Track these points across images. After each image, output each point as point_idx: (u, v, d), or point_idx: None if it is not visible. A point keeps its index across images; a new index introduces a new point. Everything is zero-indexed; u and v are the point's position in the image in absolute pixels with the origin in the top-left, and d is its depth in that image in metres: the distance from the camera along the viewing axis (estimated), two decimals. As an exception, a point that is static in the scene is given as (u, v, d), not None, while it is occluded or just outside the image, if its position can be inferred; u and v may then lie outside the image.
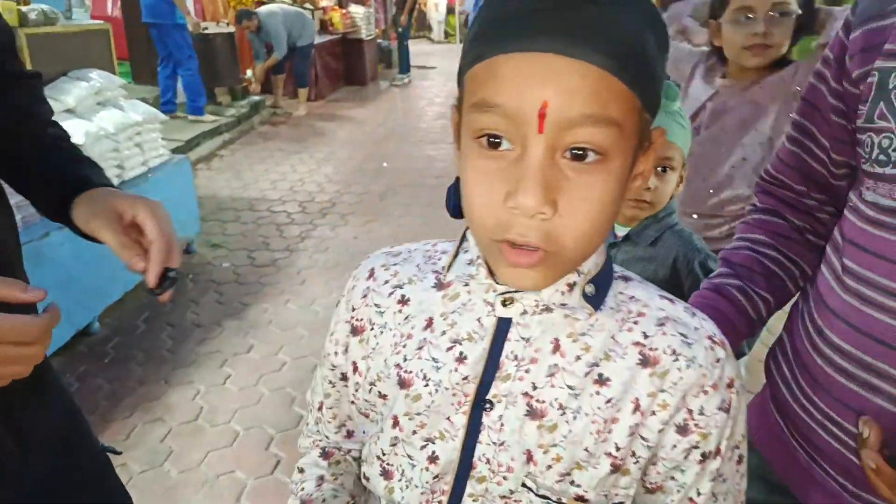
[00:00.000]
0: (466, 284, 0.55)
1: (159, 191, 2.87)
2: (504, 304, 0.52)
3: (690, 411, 0.51)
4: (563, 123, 0.41)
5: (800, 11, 1.31)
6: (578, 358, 0.51)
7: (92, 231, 0.71)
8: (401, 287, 0.59)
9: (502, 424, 0.52)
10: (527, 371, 0.52)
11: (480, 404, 0.53)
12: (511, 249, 0.45)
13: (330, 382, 0.65)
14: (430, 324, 0.55)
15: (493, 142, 0.44)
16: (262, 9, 6.06)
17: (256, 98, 6.28)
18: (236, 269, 3.22)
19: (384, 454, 0.58)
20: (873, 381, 0.63)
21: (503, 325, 0.52)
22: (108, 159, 2.61)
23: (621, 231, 1.16)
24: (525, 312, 0.52)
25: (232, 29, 5.91)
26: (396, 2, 8.29)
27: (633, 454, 0.52)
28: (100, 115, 2.62)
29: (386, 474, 0.58)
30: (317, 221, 3.89)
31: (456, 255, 0.57)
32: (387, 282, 0.60)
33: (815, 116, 0.73)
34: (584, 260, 0.49)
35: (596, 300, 0.52)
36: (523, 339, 0.52)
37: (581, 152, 0.42)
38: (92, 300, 2.50)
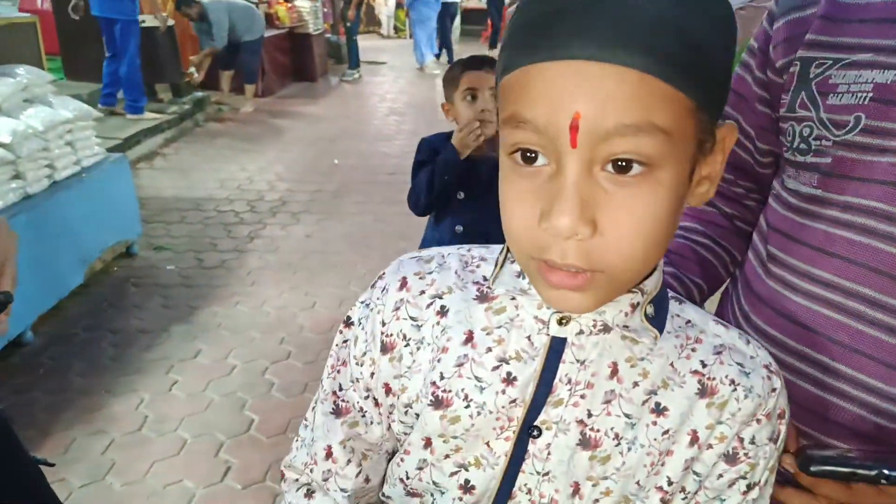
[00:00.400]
0: (514, 298, 0.50)
1: (95, 191, 2.74)
2: (560, 322, 0.48)
3: (741, 440, 0.49)
4: (599, 135, 0.37)
5: None
6: (636, 384, 0.48)
7: None
8: (440, 297, 0.53)
9: (549, 453, 0.49)
10: (582, 396, 0.48)
11: (527, 430, 0.49)
12: (551, 270, 0.41)
13: (347, 413, 0.58)
14: (470, 338, 0.50)
15: (528, 157, 0.40)
16: (207, -3, 5.82)
17: (200, 94, 6.07)
18: (183, 271, 3.11)
19: (409, 477, 0.54)
20: (798, 364, 0.64)
21: (556, 346, 0.48)
22: (37, 159, 2.46)
23: None
24: (581, 332, 0.47)
25: (172, 22, 5.68)
26: (344, -4, 8.17)
27: (683, 490, 0.50)
28: (27, 112, 2.47)
29: (412, 494, 0.55)
30: (267, 221, 3.79)
31: (502, 264, 0.51)
32: (423, 292, 0.53)
33: (741, 105, 0.74)
34: (639, 279, 0.45)
35: (657, 322, 0.48)
36: (579, 361, 0.48)
37: (624, 164, 0.38)
38: (23, 309, 2.36)
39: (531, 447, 0.49)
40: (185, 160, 4.84)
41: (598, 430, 0.48)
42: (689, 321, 0.51)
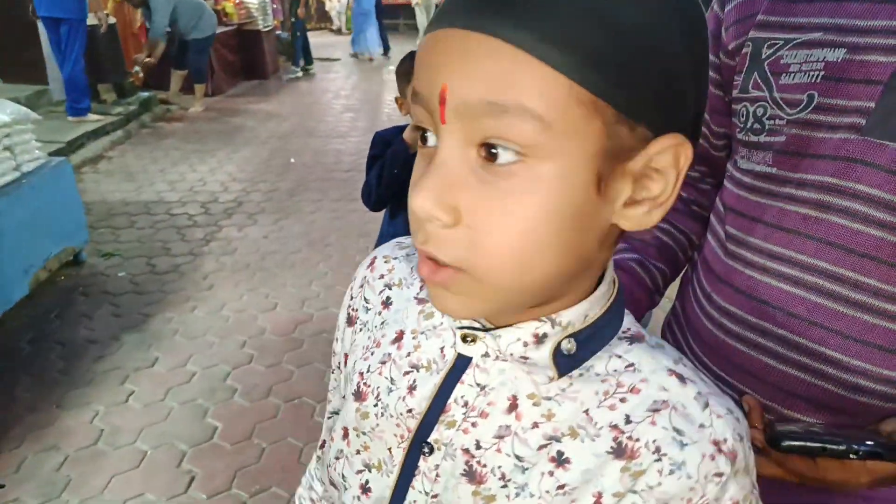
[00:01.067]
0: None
1: (36, 197, 2.60)
2: (465, 339, 0.43)
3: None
4: (465, 112, 0.33)
5: None
6: (536, 425, 0.41)
7: None
8: (390, 288, 0.52)
9: (437, 475, 0.44)
10: (473, 424, 0.43)
11: (419, 445, 0.45)
12: (422, 260, 0.37)
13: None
14: (399, 338, 0.48)
15: (424, 136, 0.37)
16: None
17: (146, 94, 5.85)
18: (134, 278, 2.99)
19: (329, 465, 0.52)
20: (759, 340, 0.66)
21: (461, 364, 0.44)
22: (-29, 165, 2.33)
23: None
24: (487, 355, 0.42)
25: (113, 20, 5.46)
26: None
27: None
28: (-42, 116, 2.33)
29: (332, 484, 0.52)
30: (222, 222, 3.69)
31: None
32: (381, 276, 0.53)
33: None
34: (525, 297, 0.37)
35: (569, 362, 0.41)
36: (478, 385, 0.43)
37: (494, 150, 0.33)
38: (-37, 323, 2.23)
39: (422, 463, 0.45)
40: (132, 163, 4.66)
41: (484, 465, 0.42)
42: (631, 365, 0.41)
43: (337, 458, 0.51)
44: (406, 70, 1.63)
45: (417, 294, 0.49)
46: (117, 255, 3.20)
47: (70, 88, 4.76)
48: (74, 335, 2.51)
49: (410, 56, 1.67)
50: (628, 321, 0.44)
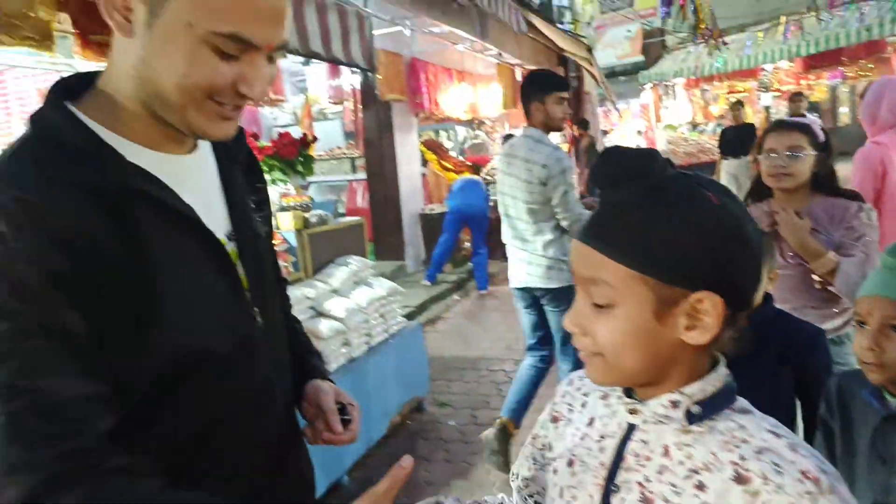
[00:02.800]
0: (617, 396, 0.73)
1: (397, 354, 3.25)
2: (631, 412, 0.69)
3: None
4: (582, 282, 0.68)
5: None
6: (682, 463, 0.65)
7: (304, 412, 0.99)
8: (587, 395, 0.80)
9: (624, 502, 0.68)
10: (642, 466, 0.67)
11: (610, 487, 0.68)
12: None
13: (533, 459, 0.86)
14: (591, 422, 0.76)
15: None
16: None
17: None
18: (461, 427, 3.38)
19: None
20: None
21: (630, 429, 0.70)
22: (359, 329, 3.07)
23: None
24: (646, 420, 0.68)
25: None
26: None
27: None
28: (355, 292, 3.15)
29: None
30: (534, 379, 3.95)
31: None
32: (579, 389, 0.82)
33: None
34: (637, 375, 0.67)
35: (696, 418, 0.65)
36: (642, 441, 0.68)
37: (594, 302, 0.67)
38: (343, 455, 2.82)
39: (612, 498, 0.68)
40: (462, 323, 5.44)
41: (652, 492, 0.65)
42: (742, 426, 0.65)
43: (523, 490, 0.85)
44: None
45: (601, 395, 0.77)
46: (449, 405, 3.68)
47: (436, 262, 6.13)
48: (416, 476, 2.91)
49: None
50: (742, 401, 0.68)
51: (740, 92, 14.39)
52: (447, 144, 9.66)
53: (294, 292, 2.79)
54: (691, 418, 0.65)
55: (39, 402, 0.63)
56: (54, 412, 0.64)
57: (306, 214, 3.18)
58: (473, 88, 8.65)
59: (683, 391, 0.65)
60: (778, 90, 14.40)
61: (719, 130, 10.23)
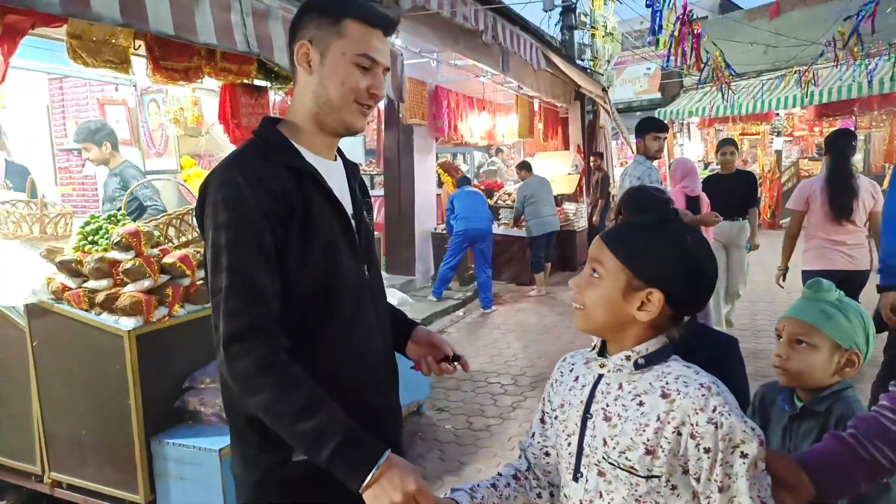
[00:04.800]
0: (594, 359, 1.10)
1: (402, 359, 3.55)
2: (600, 366, 1.08)
3: (692, 425, 0.94)
4: (591, 261, 1.07)
5: None
6: (629, 392, 1.02)
7: (409, 351, 1.42)
8: (574, 365, 1.18)
9: (595, 426, 1.05)
10: (605, 397, 1.05)
11: (586, 415, 1.06)
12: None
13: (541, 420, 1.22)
14: (576, 379, 1.14)
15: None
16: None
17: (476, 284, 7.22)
18: (456, 431, 3.68)
19: (546, 439, 1.21)
20: None
21: (599, 377, 1.08)
22: (371, 333, 3.40)
23: (800, 405, 1.37)
24: (609, 370, 1.06)
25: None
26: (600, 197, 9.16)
27: (660, 444, 0.96)
28: (369, 300, 3.49)
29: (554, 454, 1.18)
30: (527, 393, 4.25)
31: (594, 347, 1.13)
32: (570, 363, 1.19)
33: None
34: (605, 329, 1.06)
35: (641, 366, 1.02)
36: (606, 383, 1.06)
37: (594, 273, 1.06)
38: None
39: (588, 422, 1.06)
40: (464, 337, 5.74)
41: (611, 413, 1.03)
42: (668, 366, 1.02)
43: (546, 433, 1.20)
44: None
45: (584, 362, 1.15)
46: (446, 410, 3.98)
47: (486, 288, 6.51)
48: (411, 469, 3.21)
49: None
50: (675, 357, 1.05)
51: (753, 134, 14.66)
52: (462, 167, 10.05)
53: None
54: (637, 366, 1.02)
55: (247, 281, 1.08)
56: (254, 289, 1.08)
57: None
58: (492, 117, 9.06)
59: (634, 349, 1.03)
60: (791, 135, 14.70)
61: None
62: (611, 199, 9.25)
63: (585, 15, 11.29)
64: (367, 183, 8.47)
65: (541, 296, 7.25)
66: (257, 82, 3.43)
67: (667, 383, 0.98)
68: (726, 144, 5.17)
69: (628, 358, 1.03)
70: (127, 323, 2.35)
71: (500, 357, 5.10)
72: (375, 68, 1.21)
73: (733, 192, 4.89)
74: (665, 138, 4.16)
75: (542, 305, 6.90)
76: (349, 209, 1.27)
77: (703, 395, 0.94)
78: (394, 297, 3.61)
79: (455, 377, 4.61)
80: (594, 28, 11.30)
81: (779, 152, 13.43)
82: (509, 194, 8.48)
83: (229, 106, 3.29)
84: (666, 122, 13.34)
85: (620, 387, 1.03)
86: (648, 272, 1.00)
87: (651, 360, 1.02)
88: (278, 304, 1.11)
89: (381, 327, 1.31)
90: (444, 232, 6.99)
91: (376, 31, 1.20)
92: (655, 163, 4.14)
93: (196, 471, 2.39)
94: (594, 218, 9.16)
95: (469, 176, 8.39)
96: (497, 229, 7.29)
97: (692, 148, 14.97)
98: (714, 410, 0.93)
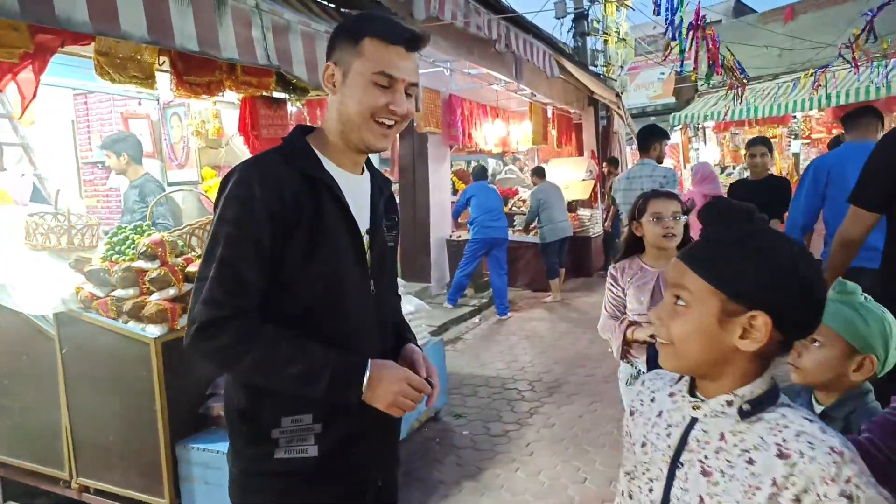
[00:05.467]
0: (681, 394, 0.95)
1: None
2: (693, 408, 0.92)
3: (819, 496, 0.79)
4: (670, 285, 0.92)
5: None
6: (735, 445, 0.86)
7: (403, 359, 1.37)
8: (654, 392, 1.03)
9: (687, 477, 0.90)
10: (702, 448, 0.89)
11: (675, 464, 0.92)
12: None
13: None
14: (660, 414, 0.99)
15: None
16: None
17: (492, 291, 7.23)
18: (473, 436, 3.70)
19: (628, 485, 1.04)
20: None
21: (693, 421, 0.92)
22: (388, 340, 3.44)
23: (818, 408, 1.37)
24: (706, 415, 0.90)
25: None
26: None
27: None
28: (386, 307, 3.53)
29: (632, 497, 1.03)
30: (544, 399, 4.26)
31: (681, 378, 0.99)
32: (650, 389, 1.05)
33: None
34: (700, 367, 0.90)
35: (747, 413, 0.86)
36: (703, 430, 0.91)
37: (677, 300, 0.91)
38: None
39: (678, 472, 0.91)
40: (479, 344, 5.77)
41: (711, 467, 0.88)
42: (783, 415, 0.86)
43: (631, 479, 1.02)
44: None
45: (669, 393, 0.99)
46: (463, 416, 4.00)
47: (455, 287, 6.44)
48: (429, 475, 3.23)
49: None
50: (783, 397, 0.89)
51: (770, 138, 14.53)
52: (477, 174, 10.05)
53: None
54: (742, 414, 0.86)
55: (235, 275, 1.13)
56: (240, 284, 1.14)
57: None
58: (506, 124, 9.09)
59: (736, 393, 0.87)
60: (808, 137, 14.55)
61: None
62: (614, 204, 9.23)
63: (598, 21, 11.31)
64: (383, 191, 8.74)
65: (556, 302, 7.25)
66: (276, 94, 3.51)
67: (784, 440, 0.82)
68: (756, 144, 4.45)
69: (730, 403, 0.87)
70: (153, 331, 2.42)
71: (517, 363, 5.11)
72: (395, 85, 1.21)
73: (762, 203, 4.48)
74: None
75: (557, 312, 6.90)
76: (365, 224, 1.29)
77: (835, 463, 0.78)
78: (410, 303, 3.66)
79: (472, 383, 4.64)
80: (607, 34, 11.31)
81: (797, 155, 13.30)
82: (524, 201, 8.50)
83: (249, 117, 3.38)
84: (680, 126, 13.42)
85: (722, 437, 0.88)
86: (748, 292, 0.84)
87: (758, 407, 0.86)
88: (260, 299, 1.17)
89: (381, 343, 1.33)
90: (459, 239, 7.03)
91: (396, 47, 1.21)
92: (671, 164, 4.26)
93: (220, 475, 2.43)
94: (606, 223, 9.13)
95: (486, 166, 8.34)
96: (511, 236, 7.30)
97: (707, 152, 14.85)
98: (848, 482, 0.78)
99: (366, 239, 1.29)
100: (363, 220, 1.28)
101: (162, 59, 2.89)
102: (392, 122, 1.24)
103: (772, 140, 14.41)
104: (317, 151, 1.26)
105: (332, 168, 1.25)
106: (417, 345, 1.45)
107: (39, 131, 4.54)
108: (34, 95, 2.56)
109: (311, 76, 3.01)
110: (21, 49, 2.33)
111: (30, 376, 2.74)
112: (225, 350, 1.14)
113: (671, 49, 4.60)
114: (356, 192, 1.28)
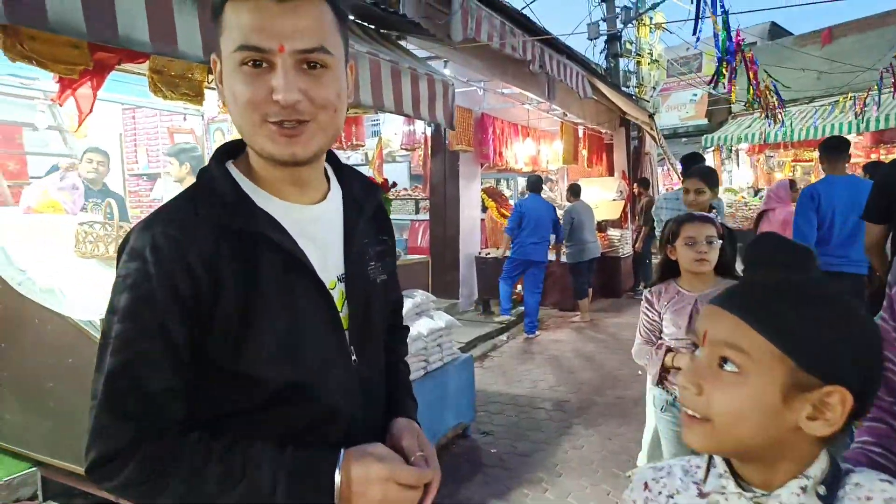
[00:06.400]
0: (722, 493, 0.72)
1: (450, 381, 3.61)
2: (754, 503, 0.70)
3: None
4: (713, 343, 0.70)
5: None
6: None
7: (391, 440, 0.98)
8: (672, 497, 0.77)
9: None
10: None
11: None
12: (684, 415, 0.73)
13: None
14: None
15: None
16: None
17: (523, 307, 7.22)
18: (502, 455, 3.68)
19: None
20: None
21: None
22: (418, 355, 3.46)
23: None
24: None
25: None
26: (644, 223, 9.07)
27: None
28: (418, 322, 3.56)
29: None
30: (572, 420, 4.22)
31: (708, 470, 0.75)
32: (660, 493, 0.79)
33: (888, 347, 0.90)
34: (735, 443, 0.68)
35: (827, 498, 0.67)
36: None
37: (723, 360, 0.68)
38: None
39: None
40: (507, 362, 5.75)
41: None
42: (857, 484, 0.69)
43: None
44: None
45: (696, 494, 0.75)
46: (491, 434, 3.99)
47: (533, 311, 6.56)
48: (456, 491, 3.23)
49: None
50: (843, 465, 0.72)
51: (806, 161, 14.28)
52: (506, 193, 10.12)
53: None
54: (820, 498, 0.67)
55: (133, 387, 0.79)
56: (142, 397, 0.79)
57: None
58: (536, 143, 9.14)
59: (808, 474, 0.68)
60: (847, 162, 14.21)
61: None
62: (655, 226, 9.14)
63: (631, 43, 11.33)
64: (413, 207, 8.76)
65: (584, 322, 7.20)
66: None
67: None
68: (693, 177, 3.64)
69: (804, 490, 0.68)
70: (194, 338, 2.48)
71: (544, 382, 5.08)
72: (271, 59, 0.80)
73: None
74: None
75: (585, 332, 6.84)
76: (336, 270, 0.93)
77: None
78: (441, 319, 3.69)
79: (499, 401, 4.62)
80: (639, 56, 11.32)
81: (833, 179, 13.02)
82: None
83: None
84: (713, 147, 13.28)
85: None
86: (824, 359, 0.65)
87: (832, 485, 0.69)
88: (183, 405, 0.83)
89: (369, 421, 0.98)
90: (488, 256, 7.05)
91: (260, 1, 0.79)
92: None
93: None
94: (636, 245, 9.06)
95: (541, 175, 8.29)
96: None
97: (740, 175, 14.66)
98: None
99: (338, 290, 0.93)
100: (331, 263, 0.93)
101: (211, 77, 3.00)
102: (290, 119, 0.82)
103: (808, 164, 14.22)
104: (246, 181, 0.90)
105: (269, 202, 0.89)
106: (413, 399, 1.12)
107: (90, 143, 4.75)
108: (91, 110, 2.69)
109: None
110: (81, 66, 2.46)
111: (74, 379, 2.84)
112: (133, 488, 0.81)
113: (719, 74, 4.58)
114: (313, 227, 0.92)
